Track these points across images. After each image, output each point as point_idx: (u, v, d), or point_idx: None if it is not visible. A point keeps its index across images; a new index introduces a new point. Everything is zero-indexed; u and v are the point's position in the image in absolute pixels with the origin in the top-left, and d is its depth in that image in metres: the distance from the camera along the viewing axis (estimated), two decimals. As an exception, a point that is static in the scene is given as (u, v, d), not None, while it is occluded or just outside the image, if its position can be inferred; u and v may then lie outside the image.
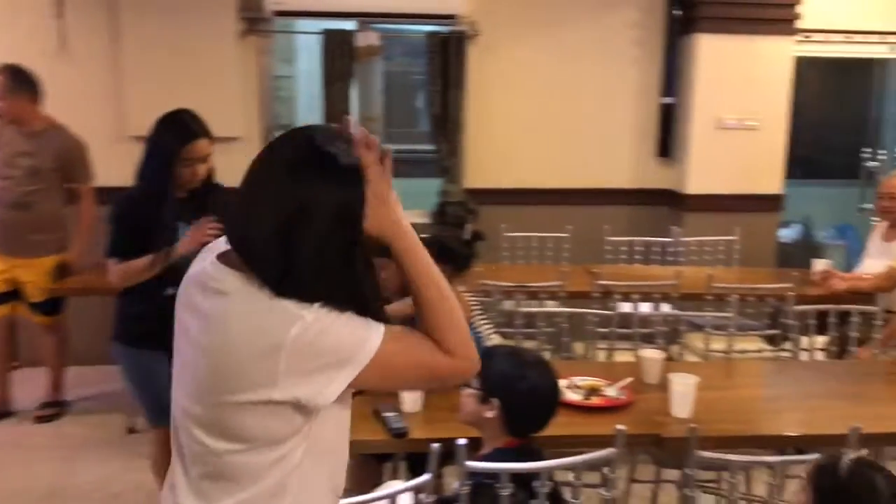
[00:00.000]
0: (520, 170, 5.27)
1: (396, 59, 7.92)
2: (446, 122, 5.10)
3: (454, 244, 2.74)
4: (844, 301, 3.88)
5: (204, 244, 1.41)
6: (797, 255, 5.88)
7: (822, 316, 3.67)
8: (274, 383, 1.21)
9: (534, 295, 3.90)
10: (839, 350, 3.82)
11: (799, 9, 5.05)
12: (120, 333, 2.87)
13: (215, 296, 1.26)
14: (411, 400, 2.43)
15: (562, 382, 2.24)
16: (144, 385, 2.86)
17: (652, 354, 2.79)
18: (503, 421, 2.02)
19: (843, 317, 3.68)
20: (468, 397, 2.07)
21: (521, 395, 2.02)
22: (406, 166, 7.18)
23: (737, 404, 2.63)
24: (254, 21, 4.90)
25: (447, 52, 5.02)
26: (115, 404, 4.18)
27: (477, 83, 5.13)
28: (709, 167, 5.20)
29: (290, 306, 1.21)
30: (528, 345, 3.27)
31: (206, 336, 1.26)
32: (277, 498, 1.30)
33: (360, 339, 1.24)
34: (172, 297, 1.37)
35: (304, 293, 1.22)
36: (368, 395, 2.22)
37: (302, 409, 1.25)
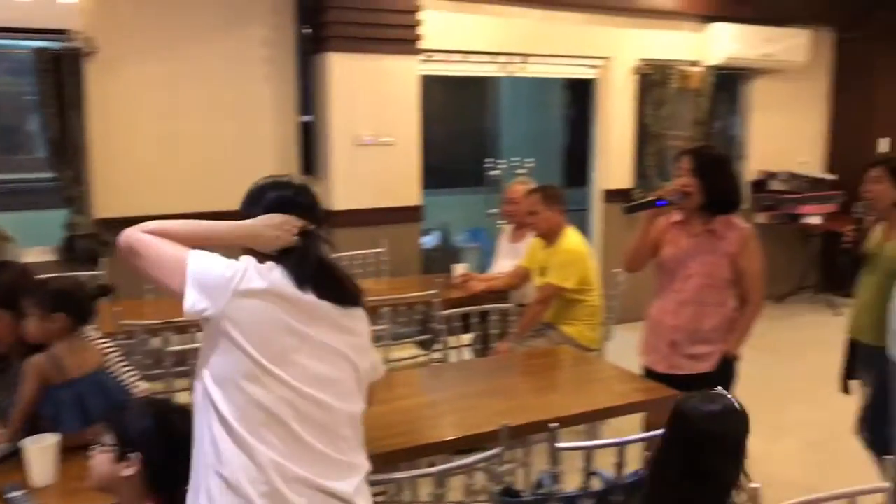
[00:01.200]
0: (158, 195, 4.89)
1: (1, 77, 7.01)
2: (66, 147, 4.59)
3: (75, 293, 2.41)
4: (483, 301, 4.18)
5: None
6: (439, 260, 6.28)
7: (466, 316, 3.91)
8: None
9: (183, 330, 3.62)
10: (483, 347, 4.11)
11: (420, 30, 5.35)
12: None
13: None
14: (40, 471, 2.09)
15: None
16: None
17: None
18: (145, 478, 1.79)
19: (484, 315, 3.96)
20: (100, 458, 1.81)
21: (164, 445, 1.81)
22: (20, 198, 6.40)
23: (399, 416, 2.66)
24: None
25: (61, 71, 4.52)
26: None
27: (99, 104, 4.70)
28: (351, 183, 5.30)
29: None
30: (182, 383, 3.03)
31: None
32: None
33: None
34: None
35: None
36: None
37: None
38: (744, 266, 3.13)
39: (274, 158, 5.32)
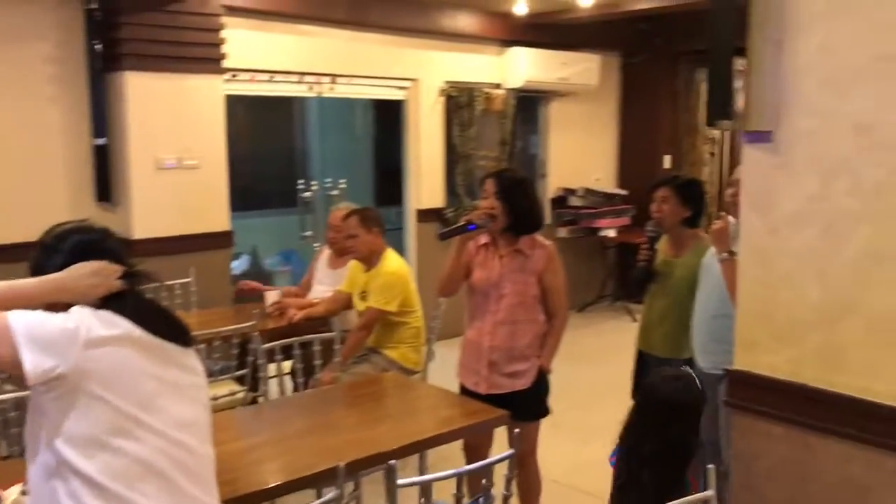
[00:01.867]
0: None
1: None
2: None
3: None
4: (304, 329, 4.08)
5: None
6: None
7: (287, 347, 3.76)
8: None
9: None
10: (305, 378, 3.95)
11: (224, 49, 5.15)
12: None
13: None
14: None
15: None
16: None
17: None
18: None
19: (305, 345, 3.83)
20: None
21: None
22: None
23: (221, 464, 2.49)
24: None
25: None
26: None
27: None
28: (153, 210, 4.99)
29: None
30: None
31: None
32: None
33: None
34: None
35: None
36: None
37: None
38: (549, 282, 3.24)
39: (66, 185, 4.90)
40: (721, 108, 2.18)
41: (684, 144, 8.45)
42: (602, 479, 3.90)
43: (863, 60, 2.01)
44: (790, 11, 2.11)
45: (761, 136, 2.21)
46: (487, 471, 2.30)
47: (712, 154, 8.85)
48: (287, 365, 4.02)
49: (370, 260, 4.22)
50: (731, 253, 3.02)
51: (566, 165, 7.71)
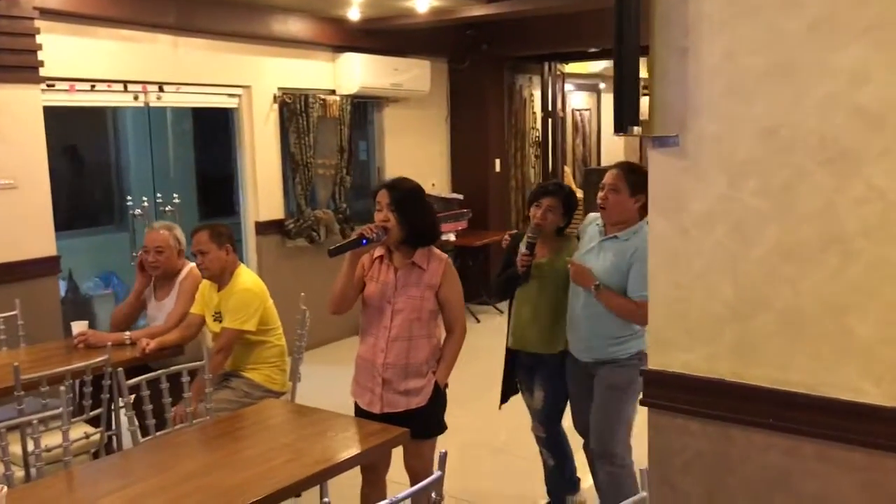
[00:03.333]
0: None
1: None
2: None
3: None
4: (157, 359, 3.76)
5: None
6: (72, 314, 5.46)
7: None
8: None
9: None
10: (158, 421, 3.50)
11: (40, 56, 4.64)
12: None
13: None
14: None
15: None
16: None
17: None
18: None
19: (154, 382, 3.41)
20: None
21: None
22: None
23: None
24: None
25: None
26: None
27: None
28: (-34, 237, 4.42)
29: None
30: None
31: None
32: None
33: None
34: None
35: None
36: None
37: None
38: (446, 295, 3.18)
39: None
40: (630, 113, 2.21)
41: (512, 148, 8.70)
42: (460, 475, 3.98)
43: (765, 65, 2.10)
44: (693, 19, 2.17)
45: (667, 141, 2.26)
46: (425, 493, 2.20)
47: (537, 157, 9.18)
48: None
49: (222, 278, 3.97)
50: (597, 287, 3.20)
51: (402, 171, 7.51)
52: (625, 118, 2.23)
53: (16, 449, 3.12)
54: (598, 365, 3.33)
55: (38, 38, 4.64)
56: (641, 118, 2.25)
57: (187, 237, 4.20)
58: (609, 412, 3.31)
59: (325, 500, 2.02)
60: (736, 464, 2.28)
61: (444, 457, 2.28)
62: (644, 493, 2.08)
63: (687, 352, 2.32)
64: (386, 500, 2.12)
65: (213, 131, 7.94)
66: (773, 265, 2.15)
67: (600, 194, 3.28)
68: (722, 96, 2.17)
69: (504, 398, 3.80)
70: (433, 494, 2.24)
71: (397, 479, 3.29)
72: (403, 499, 2.19)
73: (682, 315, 2.31)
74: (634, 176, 3.18)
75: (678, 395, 2.35)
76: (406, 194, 3.13)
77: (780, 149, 2.11)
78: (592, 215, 3.48)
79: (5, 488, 2.19)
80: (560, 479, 3.77)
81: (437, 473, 2.24)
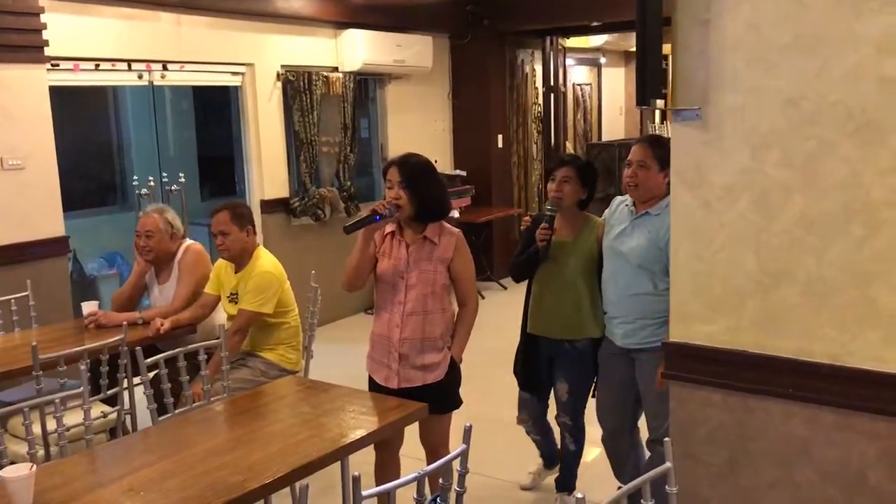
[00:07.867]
0: None
1: None
2: None
3: None
4: (169, 338, 3.79)
5: None
6: (77, 294, 5.46)
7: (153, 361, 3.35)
8: None
9: None
10: (175, 399, 3.52)
11: (45, 35, 4.61)
12: None
13: None
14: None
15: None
16: None
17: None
18: None
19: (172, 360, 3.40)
20: None
21: None
22: None
23: None
24: None
25: None
26: None
27: None
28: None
29: None
30: None
31: None
32: None
33: None
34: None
35: None
36: None
37: None
38: (458, 270, 3.19)
39: None
40: (652, 86, 2.21)
41: (514, 123, 8.68)
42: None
43: (789, 37, 2.10)
44: (716, -9, 2.17)
45: (689, 114, 2.26)
46: (446, 470, 2.22)
47: (539, 132, 9.16)
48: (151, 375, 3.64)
49: (241, 259, 3.97)
50: None
51: (405, 148, 7.48)
52: (647, 91, 2.23)
53: (34, 428, 3.13)
54: (640, 351, 3.17)
55: (43, 18, 4.60)
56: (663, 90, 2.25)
57: (195, 217, 4.19)
58: (665, 399, 3.14)
59: (355, 473, 2.03)
60: (757, 434, 2.31)
61: (468, 430, 2.30)
62: (668, 464, 2.11)
63: (709, 324, 2.34)
64: (414, 472, 2.14)
65: (214, 110, 7.91)
66: (797, 236, 2.16)
67: (628, 171, 3.15)
68: (744, 68, 2.18)
69: (528, 387, 3.67)
70: (458, 467, 2.27)
71: (410, 454, 3.31)
72: (433, 471, 2.22)
73: (705, 287, 2.32)
74: (661, 150, 3.01)
75: (701, 366, 2.37)
76: (416, 170, 3.13)
77: (803, 120, 2.11)
78: (618, 199, 3.36)
79: (34, 466, 2.21)
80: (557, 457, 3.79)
81: (462, 447, 2.26)
